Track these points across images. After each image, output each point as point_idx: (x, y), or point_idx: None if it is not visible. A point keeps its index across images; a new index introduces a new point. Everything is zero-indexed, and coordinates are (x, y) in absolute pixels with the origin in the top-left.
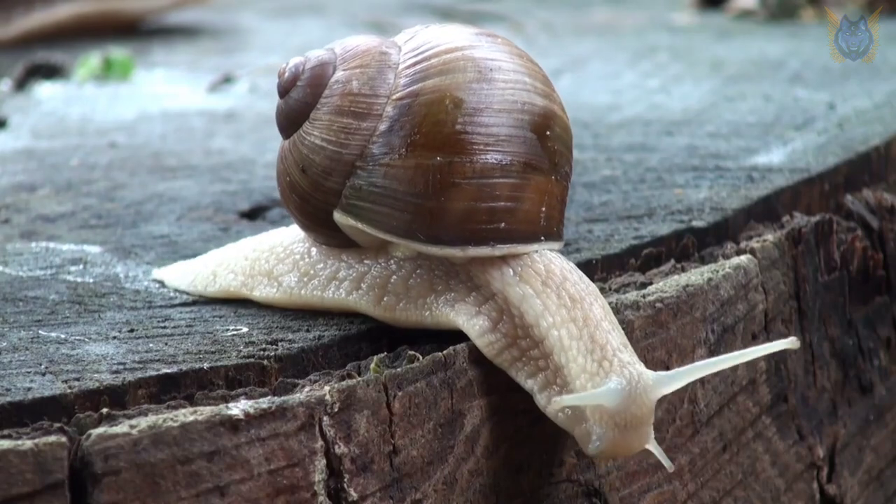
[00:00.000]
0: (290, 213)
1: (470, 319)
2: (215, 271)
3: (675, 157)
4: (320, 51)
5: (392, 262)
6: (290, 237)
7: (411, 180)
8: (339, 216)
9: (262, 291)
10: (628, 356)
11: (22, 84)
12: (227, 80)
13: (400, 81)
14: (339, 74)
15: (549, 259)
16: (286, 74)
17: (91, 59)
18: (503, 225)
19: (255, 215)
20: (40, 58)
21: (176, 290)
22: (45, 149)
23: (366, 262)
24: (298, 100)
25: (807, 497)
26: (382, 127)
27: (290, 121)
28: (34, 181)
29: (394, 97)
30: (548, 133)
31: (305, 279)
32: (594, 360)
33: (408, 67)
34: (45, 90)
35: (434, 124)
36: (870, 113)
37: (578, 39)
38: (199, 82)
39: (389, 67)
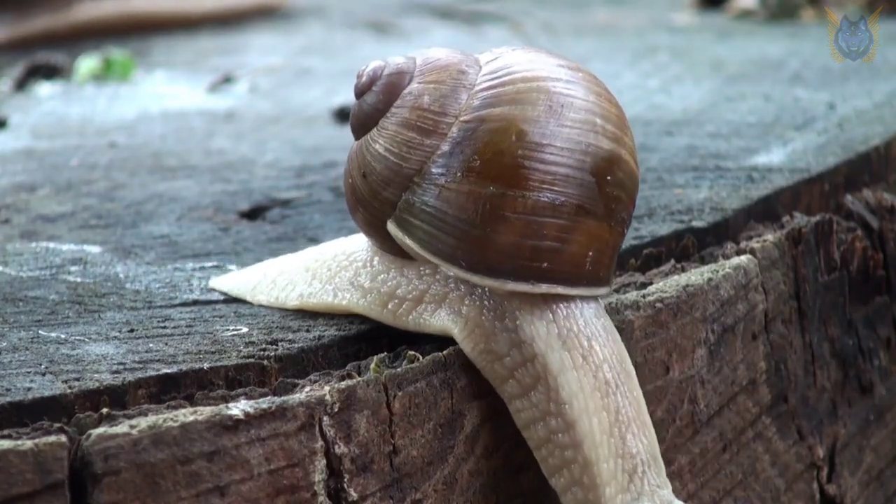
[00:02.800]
0: (351, 214)
1: (502, 384)
2: (275, 281)
3: (675, 157)
4: (401, 58)
5: (450, 280)
6: (352, 247)
7: (462, 206)
8: (391, 227)
9: (322, 300)
10: (656, 476)
11: (22, 84)
12: (227, 80)
13: (472, 103)
14: (413, 86)
15: (592, 330)
16: (364, 78)
17: (91, 60)
18: (546, 265)
19: (255, 215)
20: (40, 58)
21: (234, 299)
22: (45, 149)
23: (425, 277)
24: (371, 105)
25: (807, 497)
26: (445, 147)
27: (361, 124)
28: (34, 181)
29: (461, 118)
30: (608, 178)
31: (364, 288)
32: (624, 471)
33: (482, 90)
34: (45, 90)
35: (494, 153)
36: (870, 113)
37: (578, 39)
38: (199, 82)
39: (464, 87)
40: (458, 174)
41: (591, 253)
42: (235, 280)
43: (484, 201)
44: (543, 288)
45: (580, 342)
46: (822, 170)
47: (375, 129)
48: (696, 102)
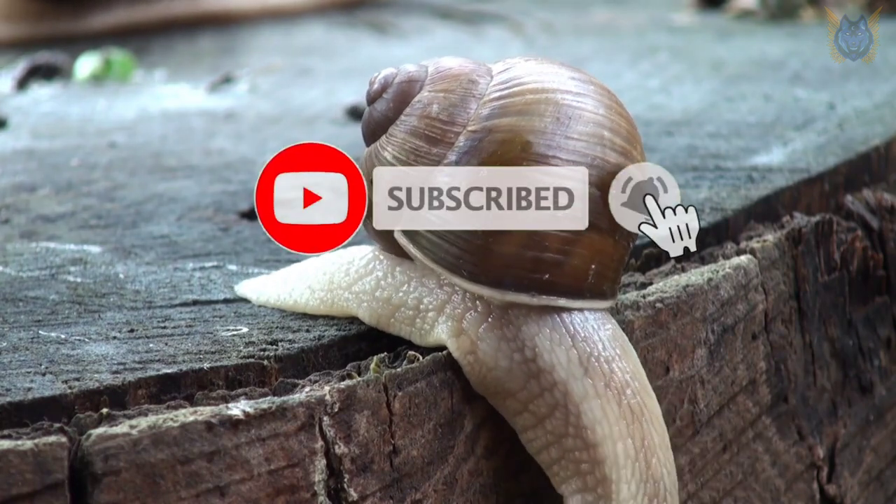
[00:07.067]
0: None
1: (514, 416)
2: (295, 286)
3: (675, 157)
4: (413, 66)
5: (467, 295)
6: (370, 253)
7: None
8: (398, 235)
9: (357, 311)
10: None
11: (22, 84)
12: (227, 80)
13: (480, 113)
14: (423, 94)
15: (611, 353)
16: (375, 85)
17: (91, 59)
18: (547, 276)
19: (255, 215)
20: (40, 58)
21: (263, 306)
22: (45, 149)
23: (445, 288)
24: (381, 112)
25: (807, 497)
26: (451, 157)
27: (372, 131)
28: (34, 181)
29: (468, 128)
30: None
31: (391, 302)
32: (646, 494)
33: (491, 101)
34: (44, 90)
35: (498, 164)
36: (870, 113)
37: (578, 39)
38: (199, 82)
39: (474, 97)
40: None
41: (593, 266)
42: (262, 285)
43: None
44: (543, 300)
45: (601, 368)
46: (822, 170)
47: (385, 136)
48: (696, 102)
